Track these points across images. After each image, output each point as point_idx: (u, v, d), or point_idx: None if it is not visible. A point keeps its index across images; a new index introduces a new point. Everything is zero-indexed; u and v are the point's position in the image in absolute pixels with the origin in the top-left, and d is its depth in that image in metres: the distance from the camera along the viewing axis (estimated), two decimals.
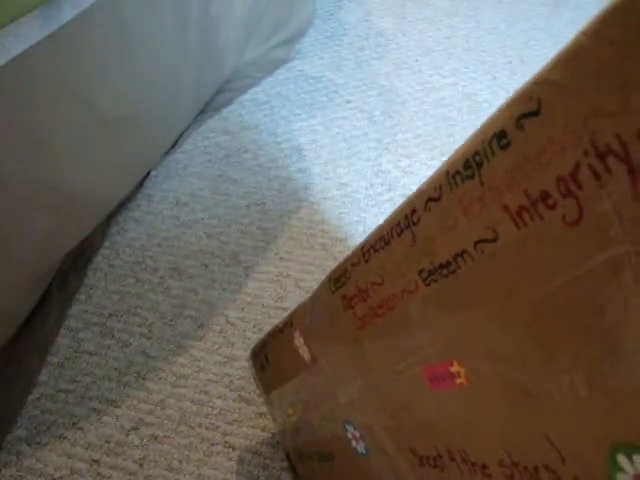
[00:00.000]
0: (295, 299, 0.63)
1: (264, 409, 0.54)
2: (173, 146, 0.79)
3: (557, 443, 0.19)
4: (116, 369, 0.57)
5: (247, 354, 0.58)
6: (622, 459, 0.17)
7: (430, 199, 0.23)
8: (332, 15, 1.05)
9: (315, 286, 0.64)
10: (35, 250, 0.51)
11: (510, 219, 0.19)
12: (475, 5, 1.08)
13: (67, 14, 0.44)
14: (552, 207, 0.17)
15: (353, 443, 0.36)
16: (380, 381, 0.30)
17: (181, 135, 0.80)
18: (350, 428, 0.35)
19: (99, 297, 0.63)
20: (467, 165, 0.20)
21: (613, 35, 0.14)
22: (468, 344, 0.23)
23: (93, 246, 0.67)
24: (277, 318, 0.61)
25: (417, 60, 0.96)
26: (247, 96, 0.88)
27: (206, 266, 0.66)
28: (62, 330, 0.60)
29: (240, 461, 0.52)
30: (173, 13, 0.61)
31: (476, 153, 0.20)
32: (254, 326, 0.61)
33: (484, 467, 0.23)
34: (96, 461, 0.51)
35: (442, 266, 0.23)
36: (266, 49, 0.89)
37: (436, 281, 0.23)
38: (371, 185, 0.76)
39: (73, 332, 0.60)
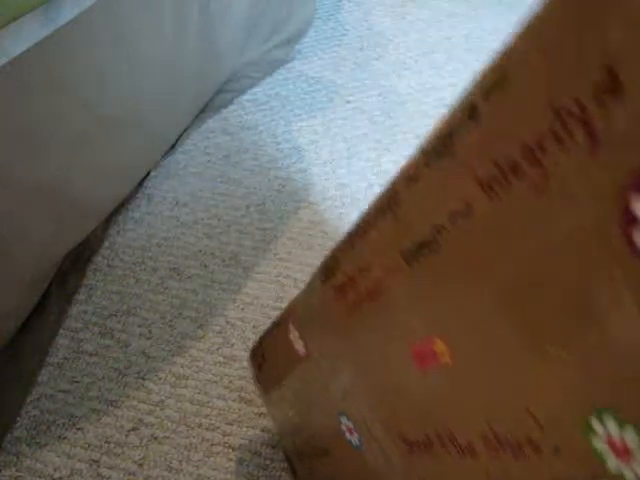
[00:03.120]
0: None
1: (264, 409, 0.54)
2: (173, 146, 0.79)
3: (537, 414, 0.19)
4: (116, 369, 0.57)
5: (247, 354, 0.58)
6: (596, 423, 0.17)
7: (409, 178, 0.23)
8: (332, 15, 1.05)
9: None
10: (35, 250, 0.51)
11: (482, 190, 0.19)
12: (475, 5, 1.08)
13: (67, 14, 0.44)
14: (521, 176, 0.17)
15: (347, 435, 0.36)
16: (370, 367, 0.30)
17: (181, 135, 0.80)
18: (344, 420, 0.36)
19: (99, 297, 0.63)
20: (441, 141, 0.21)
21: (571, 5, 0.15)
22: (450, 320, 0.23)
23: (93, 246, 0.67)
24: None
25: (417, 60, 0.96)
26: (247, 96, 0.88)
27: (206, 266, 0.66)
28: (62, 330, 0.60)
29: (240, 461, 0.52)
30: (172, 13, 0.61)
31: (449, 128, 0.20)
32: (254, 327, 0.61)
33: (470, 446, 0.24)
34: (96, 461, 0.51)
35: (422, 244, 0.23)
36: (266, 49, 0.89)
37: (417, 260, 0.24)
38: (371, 186, 0.76)
39: (73, 332, 0.60)
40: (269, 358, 0.44)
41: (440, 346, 0.24)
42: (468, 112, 0.19)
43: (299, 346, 0.38)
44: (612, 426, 0.16)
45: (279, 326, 0.41)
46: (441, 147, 0.21)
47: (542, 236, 0.17)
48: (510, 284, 0.19)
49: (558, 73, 0.15)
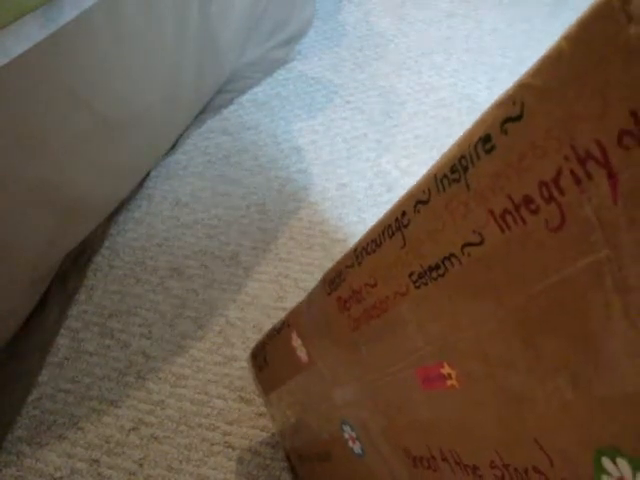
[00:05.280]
0: (295, 299, 0.63)
1: (264, 409, 0.54)
2: (173, 146, 0.79)
3: (545, 446, 0.19)
4: (116, 369, 0.57)
5: (247, 354, 0.58)
6: (607, 462, 0.17)
7: (419, 202, 0.23)
8: (332, 16, 1.05)
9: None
10: (35, 250, 0.51)
11: (495, 223, 0.19)
12: (475, 6, 1.08)
13: (68, 14, 0.44)
14: (535, 212, 0.17)
15: (350, 444, 0.36)
16: (375, 383, 0.30)
17: (181, 136, 0.80)
18: (347, 429, 0.36)
19: (99, 297, 0.63)
20: (454, 169, 0.20)
21: (591, 40, 0.14)
22: (458, 346, 0.23)
23: (93, 246, 0.67)
24: (277, 318, 0.61)
25: (416, 61, 0.96)
26: (247, 96, 0.88)
27: (206, 266, 0.66)
28: (62, 330, 0.60)
29: (240, 461, 0.52)
30: (173, 13, 0.61)
31: (462, 157, 0.19)
32: (254, 326, 0.61)
33: (475, 468, 0.23)
34: (96, 461, 0.51)
35: (431, 269, 0.23)
36: (266, 49, 0.89)
37: (426, 284, 0.23)
38: (371, 186, 0.76)
39: (73, 332, 0.60)
40: (271, 362, 0.44)
41: (447, 369, 0.24)
42: (483, 143, 0.18)
43: (302, 353, 0.38)
44: (625, 469, 0.16)
45: (280, 333, 0.41)
46: (454, 176, 0.20)
47: (553, 271, 0.17)
48: (519, 314, 0.19)
49: (580, 112, 0.15)
